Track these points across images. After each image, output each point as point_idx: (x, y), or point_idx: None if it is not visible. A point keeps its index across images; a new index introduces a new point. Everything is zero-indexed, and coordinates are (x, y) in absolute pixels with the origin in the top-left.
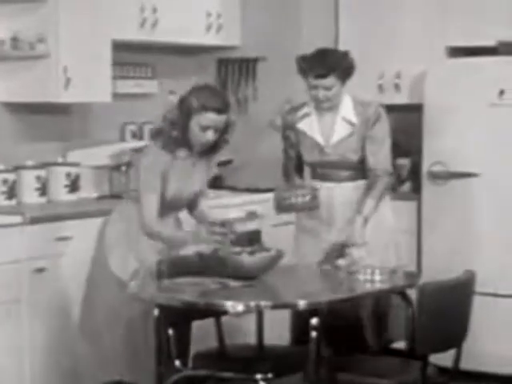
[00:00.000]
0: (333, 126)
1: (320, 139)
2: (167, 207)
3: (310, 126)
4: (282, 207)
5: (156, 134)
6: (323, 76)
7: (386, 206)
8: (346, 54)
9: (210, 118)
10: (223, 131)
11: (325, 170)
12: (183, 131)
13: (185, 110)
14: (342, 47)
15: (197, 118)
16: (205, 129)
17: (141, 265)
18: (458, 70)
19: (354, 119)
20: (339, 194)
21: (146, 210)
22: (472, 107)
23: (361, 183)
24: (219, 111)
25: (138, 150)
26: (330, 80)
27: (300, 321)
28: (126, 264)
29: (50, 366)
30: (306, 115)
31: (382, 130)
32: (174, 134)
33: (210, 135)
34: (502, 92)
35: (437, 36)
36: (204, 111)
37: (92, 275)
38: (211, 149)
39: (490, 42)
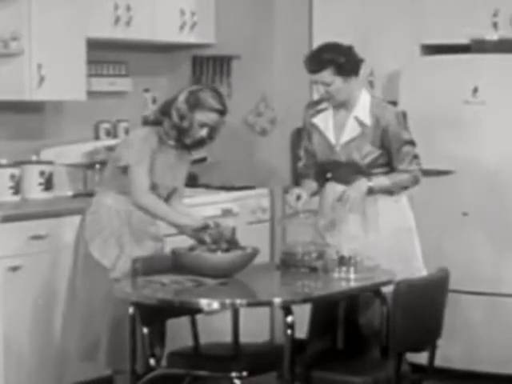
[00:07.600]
0: (344, 124)
1: (331, 137)
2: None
3: (325, 121)
4: (286, 263)
5: (152, 123)
6: (314, 71)
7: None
8: (348, 49)
9: (212, 117)
10: (213, 131)
11: (334, 173)
12: (190, 124)
13: (192, 104)
14: (315, 46)
15: (200, 114)
16: (203, 126)
17: (121, 250)
18: (432, 68)
19: (368, 120)
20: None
21: (137, 182)
22: (446, 105)
23: None
24: (221, 113)
25: (111, 148)
26: (325, 75)
27: (318, 315)
28: (106, 250)
29: (29, 365)
30: (323, 110)
31: (404, 136)
32: (185, 125)
33: (204, 132)
34: (475, 89)
35: (411, 34)
36: (208, 110)
37: (75, 267)
38: (197, 144)
39: (463, 40)
